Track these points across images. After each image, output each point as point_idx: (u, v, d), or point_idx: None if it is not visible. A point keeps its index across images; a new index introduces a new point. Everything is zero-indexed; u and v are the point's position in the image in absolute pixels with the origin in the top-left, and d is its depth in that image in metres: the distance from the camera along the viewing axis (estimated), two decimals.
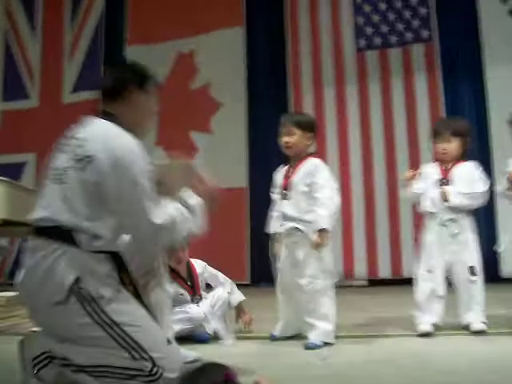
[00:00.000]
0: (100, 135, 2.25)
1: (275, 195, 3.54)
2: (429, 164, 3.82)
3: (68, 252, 2.10)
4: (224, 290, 3.69)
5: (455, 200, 3.54)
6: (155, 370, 2.07)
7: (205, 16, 7.79)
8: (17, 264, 7.43)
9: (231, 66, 7.63)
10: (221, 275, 3.83)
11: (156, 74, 2.52)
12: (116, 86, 2.39)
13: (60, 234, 2.12)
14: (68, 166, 2.20)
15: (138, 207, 2.13)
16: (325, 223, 3.23)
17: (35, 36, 8.54)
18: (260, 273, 7.14)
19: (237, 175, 7.38)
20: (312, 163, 3.42)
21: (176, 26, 7.89)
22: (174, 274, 3.64)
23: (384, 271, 6.84)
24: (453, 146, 3.63)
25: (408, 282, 6.16)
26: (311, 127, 3.49)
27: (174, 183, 2.44)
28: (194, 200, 2.35)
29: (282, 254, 3.43)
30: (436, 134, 3.72)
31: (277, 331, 3.47)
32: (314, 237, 3.23)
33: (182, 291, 3.61)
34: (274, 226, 3.51)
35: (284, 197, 3.42)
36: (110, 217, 2.16)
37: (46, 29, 8.54)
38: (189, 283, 3.66)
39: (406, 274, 6.63)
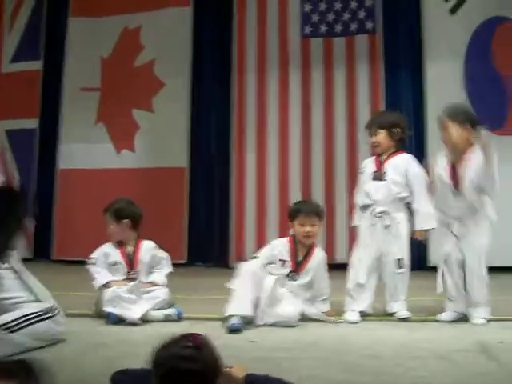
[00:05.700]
0: None
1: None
2: (368, 159, 3.97)
3: None
4: (166, 291, 3.83)
5: None
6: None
7: None
8: None
9: (177, 45, 7.50)
10: (166, 262, 4.02)
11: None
12: None
13: None
14: None
15: None
16: None
17: None
18: (197, 253, 7.20)
19: (178, 155, 7.32)
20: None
21: (122, 1, 7.74)
22: (121, 243, 3.91)
23: None
24: (380, 137, 3.79)
25: (342, 267, 6.37)
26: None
27: None
28: None
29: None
30: (366, 128, 3.92)
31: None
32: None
33: (120, 260, 3.85)
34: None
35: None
36: None
37: None
38: (130, 256, 3.89)
39: (339, 260, 6.78)
